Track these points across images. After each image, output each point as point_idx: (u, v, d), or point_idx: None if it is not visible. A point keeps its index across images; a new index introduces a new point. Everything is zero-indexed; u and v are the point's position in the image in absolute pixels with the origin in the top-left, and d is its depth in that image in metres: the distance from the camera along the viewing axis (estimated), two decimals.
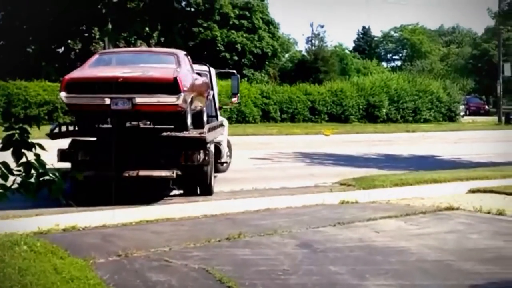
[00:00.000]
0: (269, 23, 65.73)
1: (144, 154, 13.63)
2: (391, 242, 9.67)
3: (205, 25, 60.63)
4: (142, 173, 13.23)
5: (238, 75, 21.19)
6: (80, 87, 12.87)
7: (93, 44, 43.12)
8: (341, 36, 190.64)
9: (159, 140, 13.66)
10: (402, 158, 25.46)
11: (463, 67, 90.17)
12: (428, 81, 57.63)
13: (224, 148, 17.91)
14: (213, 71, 18.55)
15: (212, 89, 17.37)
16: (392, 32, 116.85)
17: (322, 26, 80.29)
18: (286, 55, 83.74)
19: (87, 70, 13.79)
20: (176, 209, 12.17)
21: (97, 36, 35.37)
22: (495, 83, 59.13)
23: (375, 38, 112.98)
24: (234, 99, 20.64)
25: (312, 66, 65.23)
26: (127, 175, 13.20)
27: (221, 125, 17.31)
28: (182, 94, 12.66)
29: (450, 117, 56.02)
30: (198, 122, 14.93)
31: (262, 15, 64.63)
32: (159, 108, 12.95)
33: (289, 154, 25.51)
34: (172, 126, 13.78)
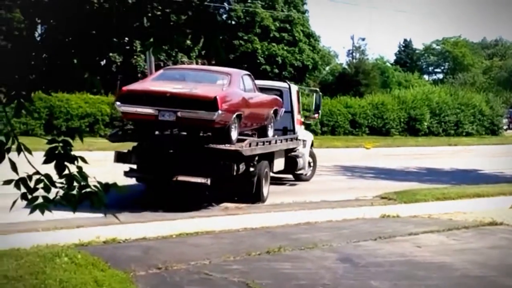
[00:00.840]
0: (310, 36, 65.63)
1: (186, 162, 14.58)
2: (433, 257, 9.55)
3: (246, 37, 60.84)
4: (180, 178, 14.27)
5: (321, 93, 23.21)
6: (133, 98, 14.41)
7: (134, 57, 43.47)
8: (382, 48, 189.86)
9: (201, 150, 14.57)
10: (443, 172, 25.22)
11: (506, 80, 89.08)
12: (471, 94, 57.13)
13: (302, 160, 19.74)
14: (294, 88, 20.74)
15: (291, 105, 19.61)
16: (434, 45, 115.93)
17: (363, 39, 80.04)
18: (327, 68, 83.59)
19: (145, 84, 15.47)
20: (216, 221, 12.17)
21: (138, 49, 35.70)
22: None
23: (417, 51, 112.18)
24: (316, 115, 23.65)
25: (353, 79, 65.01)
26: (169, 179, 14.38)
27: (294, 139, 19.00)
28: (220, 111, 13.77)
29: (492, 130, 55.44)
30: (263, 136, 17.05)
31: (303, 28, 64.57)
32: (199, 122, 14.19)
33: (329, 167, 25.41)
34: (209, 136, 14.99)
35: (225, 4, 63.85)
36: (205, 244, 10.16)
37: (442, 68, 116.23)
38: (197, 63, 48.39)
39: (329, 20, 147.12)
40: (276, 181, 19.08)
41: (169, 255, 9.12)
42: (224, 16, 64.48)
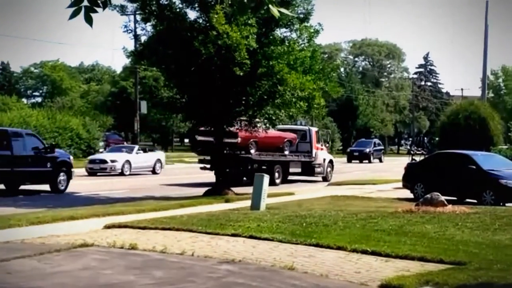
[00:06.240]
0: None
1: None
2: (24, 283, 9.54)
3: None
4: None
5: (330, 131, 42.39)
6: (203, 133, 29.46)
7: None
8: None
9: (232, 157, 29.84)
10: (41, 197, 25.19)
11: (103, 104, 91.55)
12: (68, 118, 57.59)
13: (320, 168, 36.76)
14: (313, 129, 38.75)
15: (310, 138, 36.63)
16: (32, 68, 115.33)
17: None
18: None
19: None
20: None
21: None
22: (133, 120, 61.00)
23: (15, 74, 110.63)
24: (327, 145, 41.72)
25: None
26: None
27: (305, 156, 36.19)
28: (239, 138, 29.46)
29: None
30: (280, 154, 33.75)
31: None
32: (232, 143, 29.10)
33: None
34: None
35: None
36: None
37: (41, 91, 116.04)
38: None
39: None
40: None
41: None
42: None
